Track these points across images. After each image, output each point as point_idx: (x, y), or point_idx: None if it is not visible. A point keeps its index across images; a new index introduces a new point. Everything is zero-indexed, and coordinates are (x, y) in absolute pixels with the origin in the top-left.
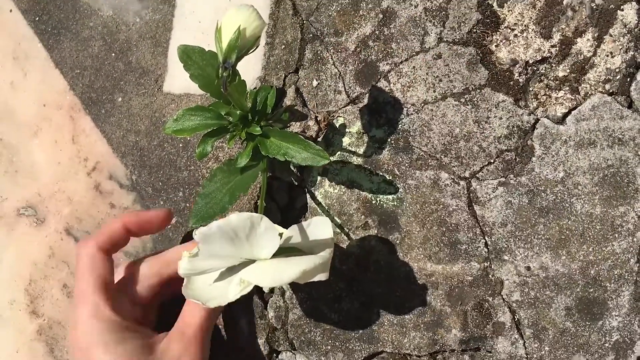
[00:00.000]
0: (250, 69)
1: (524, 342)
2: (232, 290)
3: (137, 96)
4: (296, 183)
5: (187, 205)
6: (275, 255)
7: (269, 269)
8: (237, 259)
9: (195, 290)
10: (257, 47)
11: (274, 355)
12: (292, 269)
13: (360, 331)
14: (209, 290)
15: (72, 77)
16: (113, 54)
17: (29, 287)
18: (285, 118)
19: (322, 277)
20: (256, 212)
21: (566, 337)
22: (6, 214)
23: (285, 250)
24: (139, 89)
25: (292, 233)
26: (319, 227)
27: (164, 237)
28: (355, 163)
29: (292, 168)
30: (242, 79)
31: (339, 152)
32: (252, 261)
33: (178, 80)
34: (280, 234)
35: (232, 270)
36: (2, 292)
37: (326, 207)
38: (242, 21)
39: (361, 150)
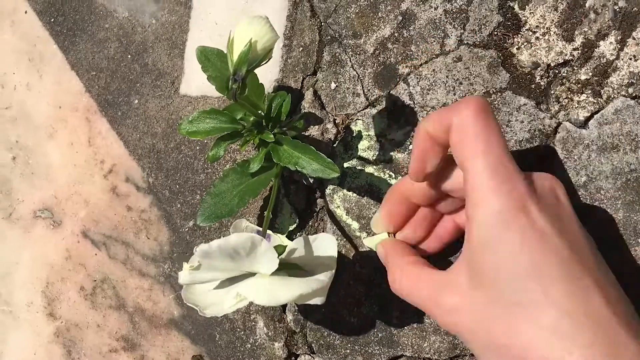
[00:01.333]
0: (267, 71)
1: None
2: (228, 302)
3: (153, 98)
4: (314, 186)
5: None
6: (277, 270)
7: (267, 288)
8: (238, 271)
9: (195, 295)
10: (269, 59)
11: (293, 358)
12: (289, 291)
13: (380, 335)
14: (208, 296)
15: (88, 79)
16: (129, 56)
17: (46, 289)
18: (300, 126)
19: (318, 301)
20: (262, 220)
21: None
22: (23, 216)
23: (287, 266)
24: (156, 91)
25: (297, 245)
26: (325, 244)
27: (181, 240)
28: (374, 166)
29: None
30: (259, 82)
31: (357, 156)
32: (253, 273)
33: (195, 83)
34: (285, 247)
35: (233, 280)
36: (20, 294)
37: (345, 211)
38: (254, 34)
39: (380, 154)
